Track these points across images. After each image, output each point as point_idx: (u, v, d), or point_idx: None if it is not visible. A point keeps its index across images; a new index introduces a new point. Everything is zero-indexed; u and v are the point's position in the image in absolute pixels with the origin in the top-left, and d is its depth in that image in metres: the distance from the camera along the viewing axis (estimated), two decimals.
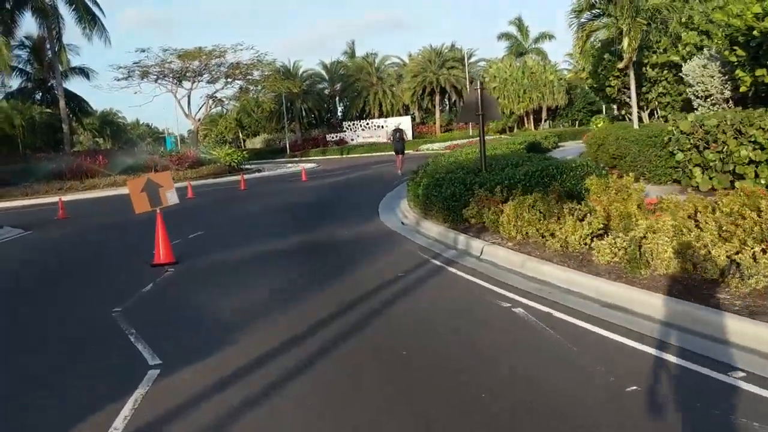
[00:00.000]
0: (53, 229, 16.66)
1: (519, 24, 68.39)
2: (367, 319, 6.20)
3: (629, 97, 23.02)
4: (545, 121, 65.21)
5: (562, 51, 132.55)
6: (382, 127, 64.72)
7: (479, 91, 12.45)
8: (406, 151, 27.78)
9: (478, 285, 7.37)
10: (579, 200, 9.37)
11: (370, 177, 25.73)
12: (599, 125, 28.00)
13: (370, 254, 9.81)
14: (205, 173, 34.66)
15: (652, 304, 5.76)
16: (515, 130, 62.76)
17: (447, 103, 73.06)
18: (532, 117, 64.12)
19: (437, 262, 8.80)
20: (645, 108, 22.88)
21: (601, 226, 8.09)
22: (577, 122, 65.55)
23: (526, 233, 8.81)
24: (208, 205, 19.65)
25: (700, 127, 12.02)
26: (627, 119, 24.77)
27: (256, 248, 10.87)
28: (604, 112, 58.22)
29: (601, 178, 10.74)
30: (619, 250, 7.04)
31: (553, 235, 8.26)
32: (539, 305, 6.30)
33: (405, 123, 64.52)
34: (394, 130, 26.79)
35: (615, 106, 25.31)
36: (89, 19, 39.72)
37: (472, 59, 67.66)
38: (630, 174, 10.61)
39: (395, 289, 7.35)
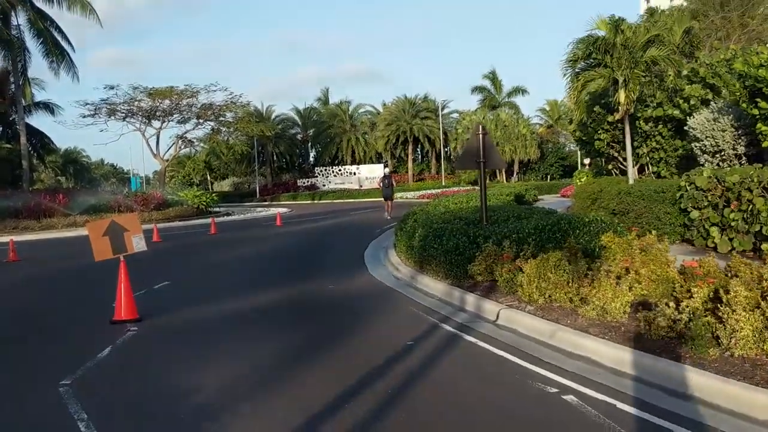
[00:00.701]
0: None
1: (493, 78, 68.82)
2: (379, 413, 4.89)
3: (618, 152, 22.40)
4: (516, 174, 65.17)
5: (534, 105, 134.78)
6: (355, 173, 64.00)
7: (481, 136, 11.50)
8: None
9: (507, 361, 6.15)
10: (593, 260, 8.32)
11: (348, 224, 24.54)
12: (582, 179, 27.35)
13: (367, 316, 8.56)
14: (172, 215, 33.11)
15: (754, 401, 4.60)
16: (488, 181, 62.45)
17: (419, 152, 72.83)
18: (504, 170, 63.98)
19: (449, 328, 7.58)
20: (635, 163, 22.23)
21: (645, 292, 7.00)
22: (548, 176, 65.62)
23: (550, 297, 7.67)
24: (177, 250, 18.15)
25: (720, 184, 11.15)
26: (614, 173, 24.12)
27: (231, 305, 9.51)
28: (580, 166, 58.22)
29: (619, 235, 9.78)
30: (676, 323, 5.92)
31: (584, 300, 7.13)
32: (594, 392, 5.10)
33: (377, 170, 63.98)
34: (384, 177, 27.28)
35: (602, 161, 24.65)
36: (57, 53, 38.34)
37: (446, 110, 67.87)
38: (652, 232, 9.64)
39: (408, 365, 6.09)
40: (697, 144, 14.61)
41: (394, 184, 29.70)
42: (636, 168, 22.10)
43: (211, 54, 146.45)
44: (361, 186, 62.50)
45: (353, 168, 65.28)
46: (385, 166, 38.23)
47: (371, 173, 63.67)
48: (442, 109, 66.29)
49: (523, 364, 5.96)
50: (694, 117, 14.80)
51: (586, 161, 60.50)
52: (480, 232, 10.42)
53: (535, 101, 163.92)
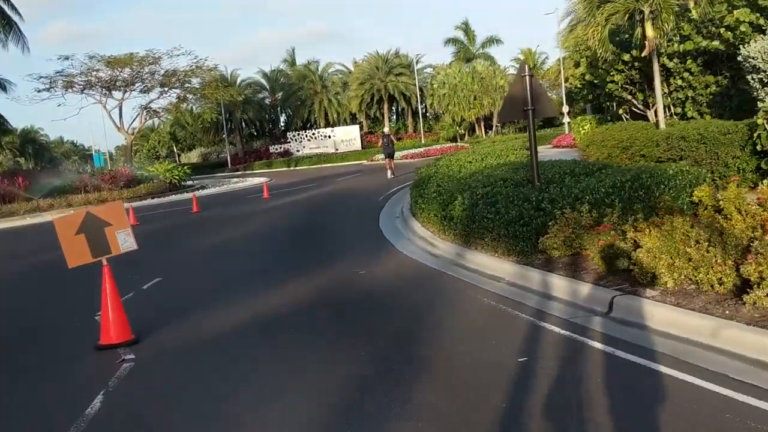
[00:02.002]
0: None
1: (466, 28, 66.36)
2: None
3: (632, 94, 20.56)
4: (495, 127, 63.36)
5: (508, 56, 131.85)
6: (330, 137, 61.57)
7: (528, 79, 9.48)
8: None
9: (691, 386, 4.24)
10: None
11: (343, 192, 22.42)
12: (585, 127, 25.51)
13: (432, 314, 6.62)
14: (144, 192, 30.61)
15: None
16: (466, 137, 60.66)
17: (395, 111, 70.50)
18: (482, 123, 62.13)
19: (553, 328, 5.67)
20: (650, 105, 20.44)
21: None
22: (527, 128, 63.82)
23: (685, 278, 5.79)
24: (160, 235, 15.84)
25: None
26: (624, 119, 22.32)
27: (248, 307, 7.47)
28: (564, 115, 56.46)
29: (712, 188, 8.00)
30: None
31: (748, 284, 5.26)
32: None
33: (353, 132, 61.66)
34: (384, 136, 29.30)
35: (613, 105, 22.81)
36: (4, 24, 35.03)
37: (419, 65, 65.27)
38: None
39: (550, 405, 4.17)
40: (756, 76, 12.77)
41: (395, 141, 31.74)
42: (653, 110, 20.33)
43: (167, 24, 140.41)
44: (337, 149, 60.13)
45: (327, 131, 62.78)
46: (385, 130, 36.16)
47: (347, 135, 61.33)
48: (416, 63, 63.78)
49: (721, 391, 4.08)
50: (748, 45, 12.91)
51: (565, 109, 59.12)
52: (544, 196, 8.50)
53: (509, 51, 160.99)
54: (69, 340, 6.78)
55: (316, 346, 5.83)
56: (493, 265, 8.17)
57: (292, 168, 53.55)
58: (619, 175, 8.80)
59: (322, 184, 27.56)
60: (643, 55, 16.05)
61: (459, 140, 58.42)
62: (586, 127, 25.02)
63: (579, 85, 28.48)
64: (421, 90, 62.14)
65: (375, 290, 7.82)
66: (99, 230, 6.07)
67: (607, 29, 15.54)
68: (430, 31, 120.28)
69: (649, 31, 15.53)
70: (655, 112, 18.75)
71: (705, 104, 16.87)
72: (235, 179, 41.99)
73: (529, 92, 9.49)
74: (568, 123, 59.03)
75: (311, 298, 7.67)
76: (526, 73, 9.52)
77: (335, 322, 6.59)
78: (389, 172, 26.33)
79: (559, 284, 6.80)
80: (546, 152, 31.62)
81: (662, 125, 15.45)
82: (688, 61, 16.79)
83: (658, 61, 17.23)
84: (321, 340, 5.98)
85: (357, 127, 63.89)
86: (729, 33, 14.59)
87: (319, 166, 51.83)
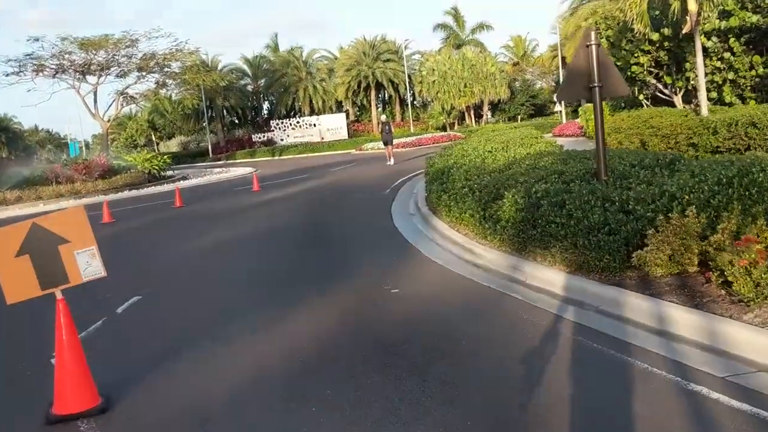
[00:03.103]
0: None
1: (455, 14, 64.49)
2: None
3: (659, 78, 18.87)
4: (485, 115, 61.71)
5: (498, 43, 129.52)
6: (315, 125, 59.56)
7: (593, 50, 7.69)
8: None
9: None
10: None
11: (341, 183, 20.50)
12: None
13: (524, 366, 4.74)
14: (121, 184, 28.48)
15: None
16: (456, 126, 58.96)
17: (381, 99, 68.54)
18: (472, 112, 60.46)
19: (726, 400, 3.87)
20: (677, 90, 18.76)
21: None
22: (518, 117, 62.33)
23: None
24: (138, 235, 13.76)
25: None
26: (645, 105, 20.63)
27: (257, 350, 5.57)
28: (557, 104, 54.86)
29: None
30: None
31: None
32: None
33: (339, 120, 59.72)
34: (383, 124, 30.43)
35: (636, 89, 21.09)
36: None
37: (407, 52, 63.29)
38: None
39: None
40: None
41: (393, 130, 32.11)
42: (680, 95, 18.66)
43: (145, 8, 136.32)
44: (322, 138, 58.14)
45: (313, 119, 60.71)
46: (383, 118, 35.16)
47: (333, 124, 59.36)
48: (405, 49, 61.83)
49: None
50: None
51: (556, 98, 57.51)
52: (629, 195, 6.71)
53: (499, 38, 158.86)
54: (8, 404, 4.87)
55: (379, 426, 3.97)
56: (567, 284, 6.37)
57: (276, 157, 51.47)
58: (719, 169, 7.02)
59: (316, 174, 25.60)
60: (684, 32, 14.33)
61: (449, 129, 56.73)
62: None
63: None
64: (409, 77, 60.23)
65: (423, 320, 5.97)
66: (51, 250, 4.19)
67: (645, 3, 13.78)
68: (418, 17, 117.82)
69: (692, 5, 13.80)
70: (693, 96, 17.12)
71: (749, 88, 15.20)
72: (218, 169, 39.88)
73: (595, 65, 7.71)
74: (561, 111, 57.78)
75: (340, 332, 5.80)
76: (592, 42, 7.71)
77: (391, 378, 4.68)
78: (390, 160, 27.68)
79: (684, 319, 5.01)
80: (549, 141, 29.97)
81: (704, 111, 13.75)
82: (731, 40, 15.09)
83: (685, 43, 15.56)
84: (382, 416, 4.11)
85: (343, 115, 61.93)
86: None
87: (306, 155, 49.82)
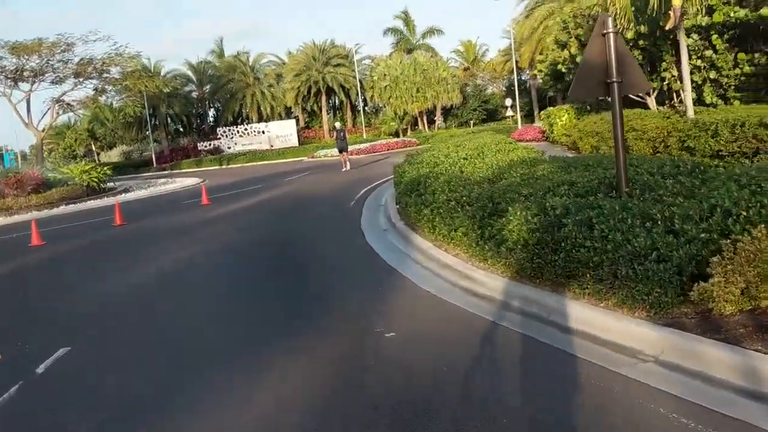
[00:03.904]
0: None
1: (405, 18, 63.75)
2: None
3: None
4: (439, 121, 60.96)
5: (448, 47, 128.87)
6: (264, 132, 57.71)
7: (611, 39, 6.55)
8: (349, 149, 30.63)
9: None
10: None
11: (301, 194, 18.95)
12: (563, 118, 22.90)
13: None
14: (56, 198, 26.32)
15: None
16: (409, 132, 58.00)
17: (332, 104, 67.08)
18: (425, 117, 59.65)
19: None
20: (650, 92, 17.96)
21: None
22: (471, 122, 61.77)
23: None
24: (71, 262, 11.90)
25: None
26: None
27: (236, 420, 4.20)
28: (508, 108, 54.41)
29: None
30: None
31: None
32: None
33: (289, 127, 58.09)
34: (338, 131, 29.63)
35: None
36: None
37: (358, 56, 62.02)
38: None
39: None
40: None
41: (347, 137, 31.62)
42: (654, 97, 17.87)
43: (76, 19, 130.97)
44: (272, 146, 56.38)
45: (261, 126, 58.80)
46: (337, 125, 33.79)
47: (282, 131, 57.66)
48: (355, 53, 60.55)
49: None
50: None
51: (508, 102, 57.24)
52: (673, 212, 5.54)
53: (449, 43, 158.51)
54: None
55: None
56: (609, 326, 5.14)
57: (224, 166, 49.54)
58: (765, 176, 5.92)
59: (270, 185, 24.01)
60: (667, 28, 13.44)
61: (402, 135, 55.73)
62: (563, 118, 22.42)
63: (547, 72, 25.99)
64: (360, 82, 58.99)
65: (438, 378, 4.63)
66: None
67: None
68: (367, 21, 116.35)
69: None
70: (666, 97, 16.29)
71: (732, 87, 14.40)
72: (162, 180, 37.82)
73: (614, 57, 6.56)
74: (515, 116, 57.45)
75: (332, 402, 4.42)
76: (610, 30, 6.56)
77: None
78: (346, 166, 27.60)
79: None
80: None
81: (690, 112, 12.86)
82: (713, 37, 14.29)
83: (672, 38, 14.70)
84: None
85: (293, 121, 60.30)
86: None
87: (255, 164, 48.08)
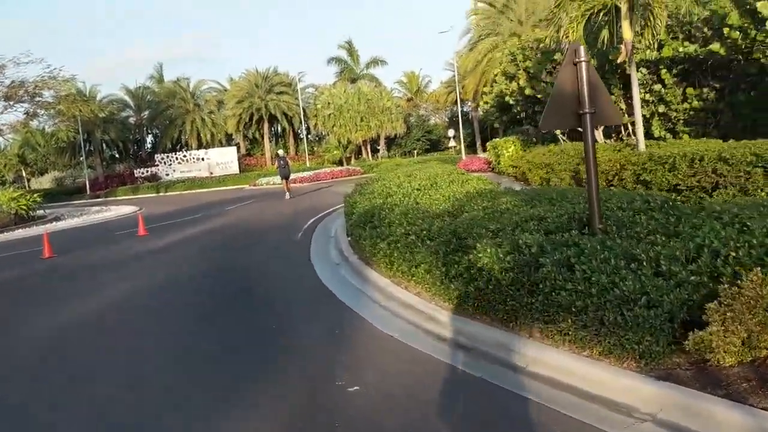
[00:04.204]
0: None
1: (349, 48, 63.82)
2: None
3: None
4: (381, 150, 60.92)
5: (392, 78, 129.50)
6: (203, 159, 56.38)
7: (583, 68, 6.26)
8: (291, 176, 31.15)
9: None
10: None
11: (244, 225, 18.11)
12: (509, 149, 22.86)
13: None
14: None
15: None
16: (352, 160, 57.72)
17: (274, 132, 66.30)
18: (369, 146, 59.54)
19: None
20: (597, 125, 18.02)
21: None
22: (415, 152, 61.99)
23: None
24: None
25: None
26: (561, 140, 19.88)
27: None
28: (450, 139, 54.72)
29: None
30: None
31: None
32: None
33: (230, 154, 56.98)
34: (279, 158, 29.70)
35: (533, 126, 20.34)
36: None
37: (301, 85, 61.59)
38: None
39: None
40: None
41: (290, 163, 32.62)
42: (601, 130, 17.95)
43: (7, 41, 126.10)
44: (212, 173, 55.11)
45: (201, 153, 57.45)
46: (279, 152, 33.25)
47: (223, 158, 56.47)
48: (299, 82, 60.12)
49: None
50: None
51: (451, 133, 57.72)
52: (659, 252, 5.17)
53: (393, 73, 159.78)
54: None
55: None
56: (596, 377, 4.69)
57: (161, 194, 48.02)
58: (754, 214, 5.63)
59: (210, 213, 23.08)
60: (619, 61, 13.43)
61: (345, 163, 55.41)
62: (510, 149, 22.37)
63: (493, 104, 26.07)
64: (304, 110, 58.52)
65: None
66: None
67: (581, 27, 12.75)
68: (310, 52, 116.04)
69: (627, 32, 12.93)
70: (613, 131, 16.35)
71: (681, 121, 14.48)
72: (96, 208, 36.23)
73: (586, 87, 6.25)
74: (458, 146, 57.92)
75: None
76: (582, 59, 6.25)
77: None
78: (288, 194, 27.53)
79: None
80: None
81: (642, 146, 12.82)
82: (662, 71, 14.37)
83: (621, 72, 14.76)
84: None
85: (234, 148, 59.15)
86: (737, 33, 12.16)
87: (194, 191, 46.78)
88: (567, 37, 12.75)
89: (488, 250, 6.14)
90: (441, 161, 35.15)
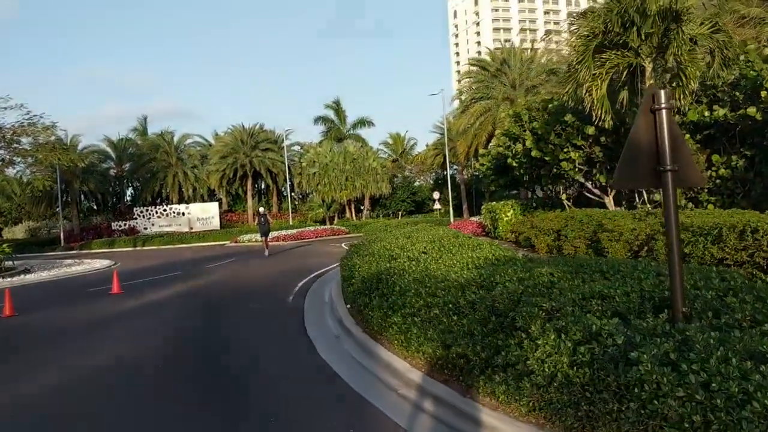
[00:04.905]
0: None
1: (336, 108, 63.66)
2: None
3: (589, 176, 17.17)
4: (367, 210, 59.96)
5: (377, 139, 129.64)
6: (184, 214, 54.90)
7: (664, 116, 5.21)
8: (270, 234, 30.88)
9: None
10: None
11: (229, 285, 16.62)
12: (509, 213, 21.86)
13: None
14: None
15: None
16: (336, 220, 56.64)
17: (257, 189, 65.21)
18: (353, 206, 58.62)
19: None
20: (609, 190, 17.11)
21: None
22: (399, 213, 61.13)
23: None
24: None
25: None
26: (566, 206, 18.92)
27: None
28: (435, 201, 53.99)
29: None
30: None
31: None
32: None
33: (211, 209, 55.61)
34: (260, 215, 29.60)
35: (548, 188, 19.41)
36: None
37: (287, 142, 60.94)
38: None
39: None
40: None
41: (271, 221, 33.17)
42: (612, 196, 17.00)
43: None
44: (191, 228, 53.58)
45: (182, 207, 55.97)
46: (260, 209, 32.36)
47: (204, 213, 55.05)
48: (285, 139, 59.46)
49: None
50: None
51: (436, 195, 57.05)
52: None
53: (379, 134, 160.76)
54: None
55: None
56: None
57: (139, 248, 46.33)
58: None
59: (190, 272, 21.58)
60: None
61: (329, 222, 54.31)
62: (508, 214, 21.36)
63: (489, 165, 25.24)
64: (289, 168, 57.66)
65: None
66: None
67: (605, 85, 11.88)
68: (297, 111, 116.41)
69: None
70: (624, 198, 15.39)
71: (706, 190, 13.53)
72: (70, 261, 34.45)
73: (667, 140, 5.18)
74: (442, 209, 57.14)
75: None
76: (663, 105, 5.19)
77: None
78: (266, 251, 27.86)
79: None
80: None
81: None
82: (686, 137, 13.52)
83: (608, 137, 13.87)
84: None
85: (216, 204, 57.81)
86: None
87: (172, 246, 45.18)
88: (589, 94, 11.87)
89: (551, 337, 4.92)
90: (430, 223, 34.15)
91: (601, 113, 11.89)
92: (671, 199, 5.23)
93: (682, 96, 11.39)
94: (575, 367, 4.58)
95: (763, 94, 11.47)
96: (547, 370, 4.81)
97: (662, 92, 5.29)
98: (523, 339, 5.31)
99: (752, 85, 11.45)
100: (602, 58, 11.79)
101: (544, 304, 5.65)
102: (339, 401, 6.33)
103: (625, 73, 12.05)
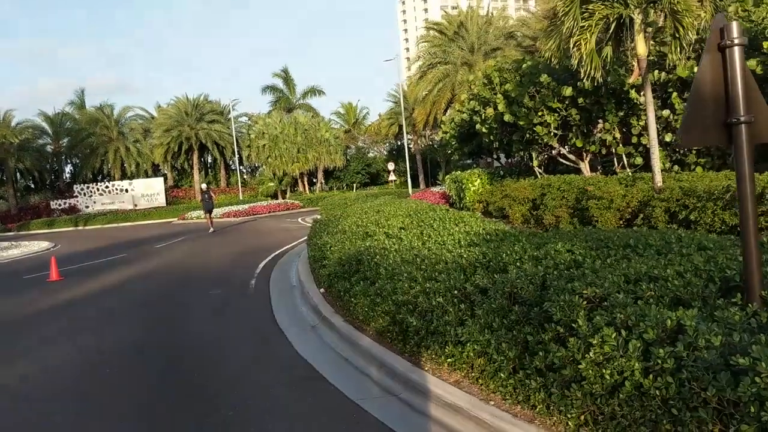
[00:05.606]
0: None
1: (285, 77, 61.60)
2: None
3: (564, 142, 16.28)
4: (320, 183, 58.52)
5: (329, 109, 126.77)
6: (127, 190, 52.52)
7: (736, 55, 4.16)
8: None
9: None
10: None
11: (179, 268, 15.17)
12: (476, 183, 20.89)
13: None
14: None
15: None
16: (288, 193, 55.11)
17: (204, 162, 62.99)
18: (305, 179, 57.09)
19: None
20: (584, 155, 16.27)
21: None
22: (354, 185, 59.85)
23: None
24: None
25: None
26: (538, 174, 18.08)
27: None
28: (390, 173, 52.99)
29: None
30: None
31: None
32: None
33: (156, 185, 53.31)
34: (203, 192, 29.31)
35: (524, 154, 18.52)
36: None
37: (234, 113, 58.73)
38: None
39: None
40: None
41: (214, 197, 33.12)
42: (587, 161, 16.18)
43: None
44: (136, 205, 51.38)
45: (125, 184, 53.50)
46: (203, 186, 30.95)
47: (149, 189, 52.75)
48: (232, 110, 57.29)
49: None
50: None
51: (391, 166, 56.03)
52: None
53: (330, 104, 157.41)
54: None
55: None
56: None
57: (81, 228, 44.06)
58: None
59: (137, 253, 20.00)
60: (631, 81, 11.65)
61: (281, 197, 52.76)
62: (475, 183, 20.41)
63: (453, 133, 24.25)
64: (237, 140, 55.62)
65: None
66: None
67: (594, 38, 10.88)
68: (244, 80, 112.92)
69: (641, 48, 11.18)
70: (597, 162, 14.56)
71: (693, 152, 12.76)
72: (6, 243, 32.21)
73: (740, 84, 4.17)
74: (395, 181, 56.13)
75: None
76: (735, 41, 4.17)
77: None
78: (211, 228, 27.54)
79: None
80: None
81: (659, 179, 10.93)
82: (673, 95, 12.68)
83: (616, 95, 13.00)
84: None
85: (161, 179, 55.50)
86: None
87: (116, 225, 43.14)
88: (577, 48, 10.86)
89: (610, 335, 3.87)
90: (389, 195, 33.06)
91: (590, 69, 10.92)
92: (745, 159, 4.23)
93: (677, 49, 10.48)
94: (652, 375, 3.55)
95: (765, 45, 10.67)
96: (608, 377, 3.78)
97: (733, 25, 4.25)
98: (564, 335, 4.28)
99: (749, 37, 10.64)
100: (589, 9, 10.78)
101: (585, 291, 4.61)
102: (327, 411, 5.20)
103: (614, 25, 11.06)
